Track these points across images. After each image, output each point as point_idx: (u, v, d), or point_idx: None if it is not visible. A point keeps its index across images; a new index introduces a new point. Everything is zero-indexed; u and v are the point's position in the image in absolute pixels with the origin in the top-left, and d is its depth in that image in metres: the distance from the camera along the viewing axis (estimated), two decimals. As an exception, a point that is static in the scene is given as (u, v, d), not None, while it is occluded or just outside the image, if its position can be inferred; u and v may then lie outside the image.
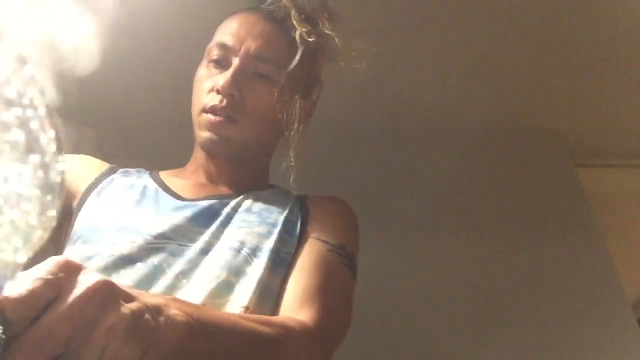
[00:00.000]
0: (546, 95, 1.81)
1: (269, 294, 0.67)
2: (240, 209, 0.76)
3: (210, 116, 0.77)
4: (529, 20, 1.55)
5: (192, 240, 0.70)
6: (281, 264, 0.71)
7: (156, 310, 0.41)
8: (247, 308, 0.63)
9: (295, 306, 0.65)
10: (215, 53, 0.81)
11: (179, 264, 0.66)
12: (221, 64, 0.81)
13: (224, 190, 0.81)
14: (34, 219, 0.22)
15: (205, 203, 0.76)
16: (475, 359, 1.47)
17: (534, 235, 1.69)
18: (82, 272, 0.36)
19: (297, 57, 0.80)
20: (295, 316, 0.64)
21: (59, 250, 0.74)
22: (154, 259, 0.65)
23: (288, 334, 0.58)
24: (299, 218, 0.78)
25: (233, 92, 0.77)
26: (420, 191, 1.75)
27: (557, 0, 1.49)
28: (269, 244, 0.71)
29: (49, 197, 0.22)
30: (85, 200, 0.75)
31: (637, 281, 2.52)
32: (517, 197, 1.78)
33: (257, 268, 0.68)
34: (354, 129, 1.84)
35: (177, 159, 0.91)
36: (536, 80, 1.75)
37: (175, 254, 0.67)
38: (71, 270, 0.36)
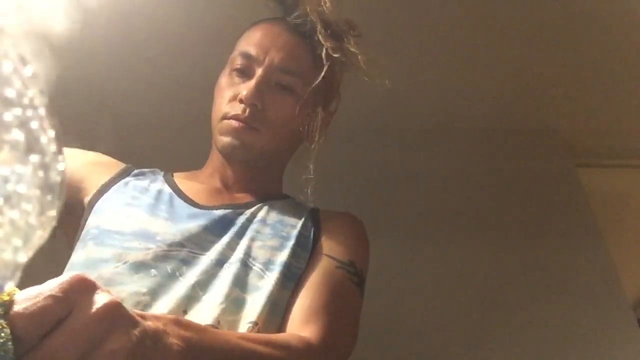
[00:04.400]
0: (546, 95, 1.81)
1: (278, 309, 0.67)
2: (255, 220, 0.76)
3: (232, 122, 0.78)
4: (529, 20, 1.55)
5: (206, 248, 0.69)
6: (292, 278, 0.71)
7: (155, 337, 0.41)
8: (255, 324, 0.63)
9: (301, 323, 0.65)
10: (238, 62, 0.82)
11: (194, 274, 0.66)
12: (244, 73, 0.81)
13: (239, 198, 0.81)
14: (34, 219, 0.22)
15: (220, 212, 0.76)
16: (476, 359, 1.47)
17: (534, 235, 1.69)
18: (95, 291, 0.37)
19: (323, 73, 0.81)
20: (299, 333, 0.63)
21: (70, 242, 0.73)
22: (168, 267, 0.65)
23: (291, 354, 0.58)
24: (312, 233, 0.78)
25: (256, 102, 0.78)
26: (420, 191, 1.75)
27: (557, 0, 1.49)
28: (282, 258, 0.71)
29: (49, 197, 0.22)
30: (98, 200, 0.74)
31: (637, 281, 2.52)
32: (517, 197, 1.77)
33: (268, 282, 0.68)
34: (353, 129, 1.84)
35: (187, 158, 0.91)
36: (536, 80, 1.75)
37: (188, 262, 0.67)
38: (85, 289, 0.36)
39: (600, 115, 1.88)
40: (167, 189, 0.79)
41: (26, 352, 0.31)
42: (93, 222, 0.71)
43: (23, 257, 0.22)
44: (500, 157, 1.86)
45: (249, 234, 0.73)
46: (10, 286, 0.24)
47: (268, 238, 0.74)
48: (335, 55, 0.81)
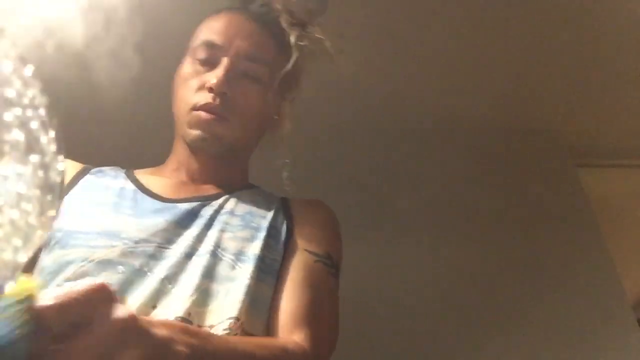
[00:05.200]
0: (546, 96, 1.81)
1: (260, 305, 0.67)
2: (223, 211, 0.75)
3: (202, 114, 0.77)
4: (529, 20, 1.55)
5: (172, 242, 0.69)
6: (269, 272, 0.70)
7: (166, 347, 0.42)
8: (237, 319, 0.62)
9: (291, 327, 0.65)
10: (202, 51, 0.80)
11: (162, 268, 0.65)
12: (208, 62, 0.80)
13: (205, 190, 0.80)
14: (34, 219, 0.22)
15: (186, 205, 0.74)
16: (476, 359, 1.47)
17: (534, 235, 1.69)
18: (114, 302, 0.37)
19: (292, 61, 0.80)
20: (290, 336, 0.64)
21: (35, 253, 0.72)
22: (135, 263, 0.64)
23: (289, 358, 0.59)
24: (284, 224, 0.77)
25: (226, 90, 0.77)
26: (420, 191, 1.75)
27: (557, 0, 1.49)
28: (254, 250, 0.70)
29: (49, 197, 0.22)
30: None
31: (637, 281, 2.52)
32: (517, 197, 1.77)
33: (243, 275, 0.67)
34: (353, 129, 1.84)
35: (148, 156, 0.89)
36: (536, 80, 1.75)
37: (156, 257, 0.66)
38: (106, 298, 0.37)
39: (600, 115, 1.88)
40: (130, 186, 0.78)
41: (40, 348, 0.31)
42: (56, 226, 0.70)
43: (23, 257, 0.22)
44: (500, 157, 1.86)
45: (217, 225, 0.72)
46: (11, 286, 0.24)
47: (238, 229, 0.72)
48: (303, 44, 0.81)
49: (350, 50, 1.64)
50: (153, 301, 0.61)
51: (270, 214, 0.77)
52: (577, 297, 1.56)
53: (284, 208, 0.81)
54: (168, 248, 0.68)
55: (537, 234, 1.69)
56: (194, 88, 0.79)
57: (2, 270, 0.21)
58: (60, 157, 0.23)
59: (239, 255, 0.69)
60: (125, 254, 0.65)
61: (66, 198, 0.74)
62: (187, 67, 0.82)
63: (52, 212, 0.24)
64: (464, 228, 1.69)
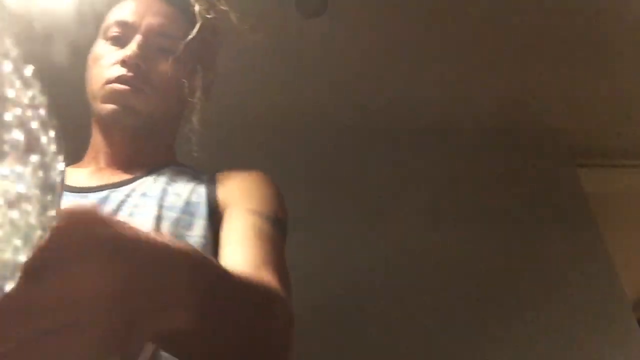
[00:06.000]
0: (546, 95, 1.81)
1: None
2: (134, 194, 0.73)
3: (116, 86, 0.75)
4: (529, 19, 1.55)
5: None
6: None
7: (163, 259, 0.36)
8: None
9: (253, 270, 0.60)
10: (113, 30, 0.80)
11: None
12: (120, 41, 0.79)
13: (119, 175, 0.77)
14: (34, 219, 0.22)
15: (98, 193, 0.72)
16: (476, 359, 1.47)
17: (534, 235, 1.69)
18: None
19: (196, 29, 0.80)
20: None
21: None
22: None
23: (267, 287, 0.55)
24: (205, 196, 0.74)
25: (139, 62, 0.76)
26: (420, 191, 1.75)
27: (558, 1, 1.49)
28: (164, 230, 0.67)
29: (49, 197, 0.22)
30: None
31: (637, 281, 2.52)
32: (517, 196, 1.77)
33: None
34: (353, 129, 1.84)
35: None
36: (536, 80, 1.75)
37: None
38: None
39: (600, 115, 1.88)
40: None
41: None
42: None
43: (23, 257, 0.22)
44: (501, 157, 1.86)
45: (125, 209, 0.70)
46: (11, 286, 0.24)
47: (148, 210, 0.70)
48: (208, 16, 0.81)
49: (351, 50, 1.65)
50: None
51: (187, 190, 0.74)
52: (577, 297, 1.56)
53: (208, 181, 0.78)
54: None
55: (536, 234, 1.69)
56: (106, 65, 0.77)
57: (2, 270, 0.21)
58: (60, 157, 0.23)
59: None
60: None
61: None
62: (99, 47, 0.81)
63: (52, 212, 0.24)
64: (463, 228, 1.69)
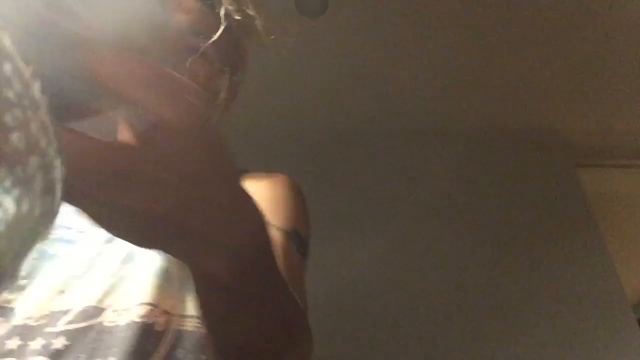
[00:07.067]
0: (546, 96, 1.81)
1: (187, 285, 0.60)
2: None
3: None
4: (529, 20, 1.55)
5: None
6: None
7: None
8: (154, 305, 0.56)
9: None
10: None
11: (79, 253, 0.64)
12: None
13: None
14: (34, 219, 0.22)
15: None
16: (476, 359, 1.47)
17: (534, 235, 1.69)
18: None
19: (222, 28, 0.80)
20: None
21: None
22: (49, 249, 0.64)
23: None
24: None
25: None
26: (420, 191, 1.75)
27: (558, 1, 1.50)
28: None
29: (49, 197, 0.23)
30: None
31: (637, 281, 2.52)
32: (517, 197, 1.78)
33: (160, 258, 0.63)
34: (353, 129, 1.84)
35: None
36: (536, 80, 1.76)
37: (72, 242, 0.65)
38: None
39: (600, 115, 1.88)
40: None
41: None
42: None
43: (22, 263, 0.22)
44: (501, 157, 1.86)
45: None
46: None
47: None
48: (237, 17, 0.80)
49: (351, 50, 1.64)
50: (62, 286, 0.59)
51: None
52: (576, 297, 1.56)
53: None
54: (85, 232, 0.66)
55: (536, 234, 1.69)
56: None
57: (2, 270, 0.21)
58: (61, 158, 0.23)
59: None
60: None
61: None
62: None
63: (52, 212, 0.24)
64: (463, 228, 1.69)
